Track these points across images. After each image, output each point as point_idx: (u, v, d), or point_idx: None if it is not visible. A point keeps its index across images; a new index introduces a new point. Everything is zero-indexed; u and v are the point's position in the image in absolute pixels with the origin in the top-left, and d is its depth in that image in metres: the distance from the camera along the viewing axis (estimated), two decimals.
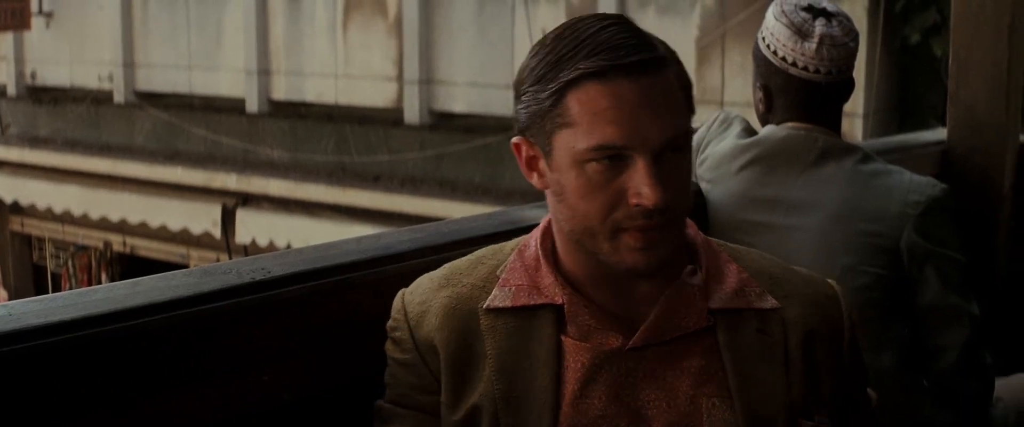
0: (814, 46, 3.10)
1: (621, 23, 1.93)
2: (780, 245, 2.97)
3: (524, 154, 2.02)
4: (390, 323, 2.12)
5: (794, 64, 3.12)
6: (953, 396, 3.11)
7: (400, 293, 2.13)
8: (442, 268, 2.14)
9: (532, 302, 2.04)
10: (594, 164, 1.90)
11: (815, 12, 3.14)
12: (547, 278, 2.04)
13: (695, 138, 3.36)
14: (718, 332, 2.02)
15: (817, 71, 3.11)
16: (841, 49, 3.12)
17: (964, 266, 3.12)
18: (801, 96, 3.16)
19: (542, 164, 2.00)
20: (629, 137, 1.88)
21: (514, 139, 2.04)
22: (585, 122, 1.89)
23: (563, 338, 2.01)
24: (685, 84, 1.96)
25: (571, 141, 1.91)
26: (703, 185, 3.29)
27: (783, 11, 3.15)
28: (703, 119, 3.44)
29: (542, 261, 2.06)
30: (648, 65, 1.89)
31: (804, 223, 3.11)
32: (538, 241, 2.09)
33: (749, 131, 3.30)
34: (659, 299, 2.00)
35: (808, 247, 3.03)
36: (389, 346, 2.11)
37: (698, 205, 3.26)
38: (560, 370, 1.99)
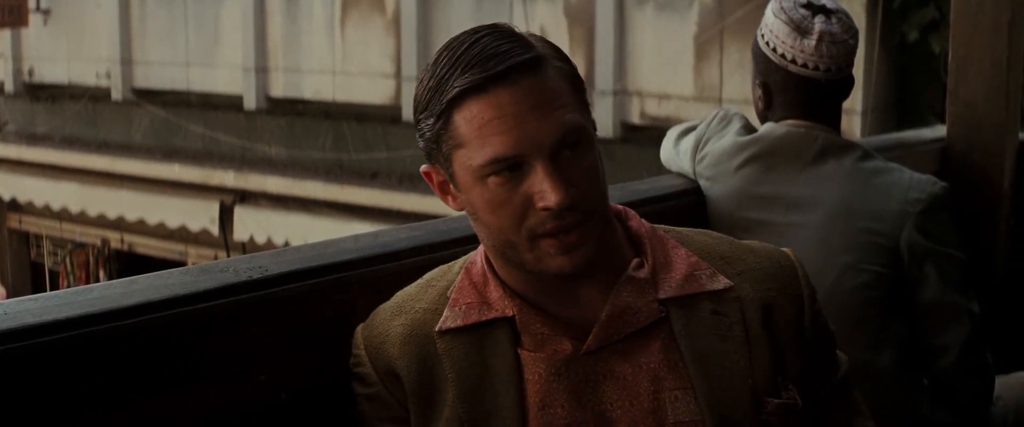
0: (813, 43, 3.09)
1: (494, 32, 1.92)
2: (779, 243, 2.93)
3: (434, 181, 2.02)
4: (351, 360, 2.11)
5: (793, 61, 3.11)
6: (953, 395, 3.11)
7: (358, 329, 2.12)
8: (394, 297, 2.13)
9: (484, 318, 2.02)
10: (494, 178, 1.90)
11: (814, 9, 3.13)
12: (495, 292, 2.03)
13: (694, 135, 3.36)
14: (672, 321, 1.99)
15: (817, 68, 3.10)
16: (841, 46, 3.11)
17: (964, 264, 3.11)
18: (800, 93, 3.15)
19: (452, 187, 1.99)
20: (518, 144, 1.87)
21: (422, 167, 2.03)
22: (474, 139, 1.89)
23: (519, 351, 1.99)
24: (572, 78, 1.95)
25: (466, 160, 1.91)
26: (702, 183, 3.28)
27: (782, 8, 3.14)
28: (702, 117, 3.43)
29: (489, 275, 2.05)
30: (523, 67, 1.88)
31: (804, 221, 3.10)
32: (482, 256, 2.07)
33: (748, 128, 3.29)
34: (608, 298, 1.99)
35: (807, 245, 3.00)
36: (354, 384, 2.10)
37: (697, 203, 3.26)
38: (521, 384, 1.98)
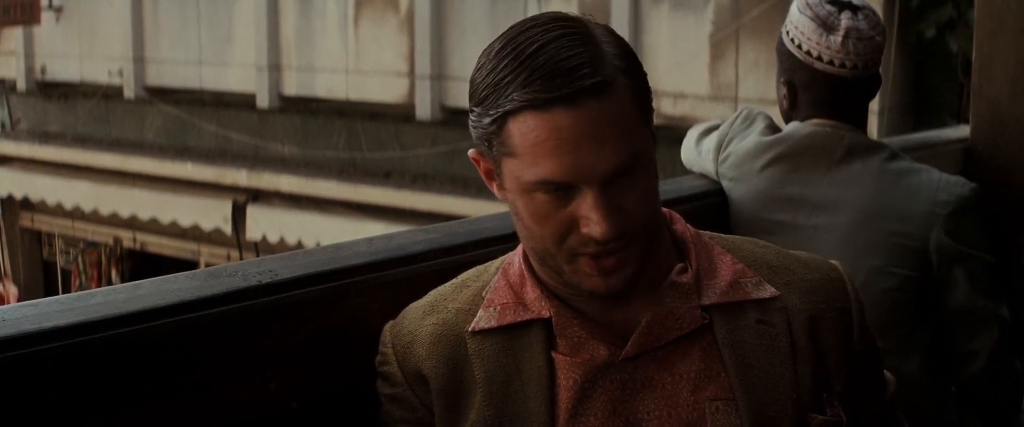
0: (840, 40, 3.03)
1: (565, 34, 1.80)
2: (804, 245, 2.89)
3: (482, 166, 1.94)
4: (378, 358, 2.04)
5: (819, 58, 3.05)
6: (981, 402, 3.06)
7: (386, 326, 2.06)
8: (427, 296, 2.06)
9: (519, 319, 1.95)
10: (541, 194, 1.81)
11: (841, 5, 3.07)
12: (532, 292, 1.95)
13: (717, 135, 3.30)
14: (715, 329, 1.92)
15: (843, 65, 3.05)
16: (867, 43, 3.06)
17: (993, 268, 3.06)
18: (826, 92, 3.09)
19: (498, 178, 1.91)
20: (570, 171, 1.78)
21: (471, 152, 1.95)
22: (526, 154, 1.79)
23: (553, 354, 1.92)
24: (639, 95, 1.83)
25: (516, 171, 1.82)
26: (725, 183, 3.22)
27: (808, 4, 3.08)
28: (721, 117, 3.37)
29: (526, 276, 1.97)
30: (590, 91, 1.77)
31: (829, 223, 3.05)
32: (521, 256, 2.00)
33: (772, 128, 3.23)
34: (649, 303, 1.91)
35: (833, 248, 2.95)
36: (379, 383, 2.04)
37: (719, 204, 3.21)
38: (553, 389, 1.91)
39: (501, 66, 1.80)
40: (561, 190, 1.80)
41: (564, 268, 1.86)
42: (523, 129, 1.78)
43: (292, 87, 14.66)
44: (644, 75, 1.87)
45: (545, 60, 1.77)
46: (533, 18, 1.86)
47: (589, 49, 1.79)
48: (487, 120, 1.82)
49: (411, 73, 13.46)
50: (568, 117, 1.76)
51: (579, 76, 1.76)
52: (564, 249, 1.84)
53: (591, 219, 1.79)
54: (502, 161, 1.85)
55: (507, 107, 1.78)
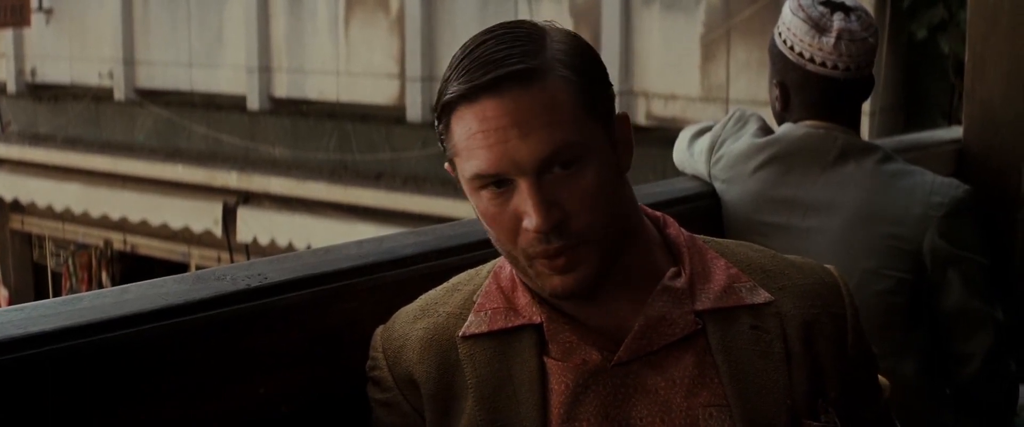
0: (832, 41, 3.02)
1: (507, 33, 1.81)
2: (797, 247, 2.89)
3: (456, 176, 1.93)
4: (368, 363, 2.03)
5: (812, 60, 3.05)
6: (977, 404, 3.05)
7: (377, 330, 2.04)
8: (418, 300, 2.05)
9: (510, 324, 1.93)
10: (485, 191, 1.82)
11: (833, 6, 3.07)
12: (523, 297, 1.94)
13: (709, 136, 3.29)
14: (709, 334, 1.90)
15: (835, 67, 3.04)
16: (860, 44, 3.05)
17: (988, 270, 3.05)
18: (819, 93, 3.09)
19: None
20: (499, 162, 1.77)
21: (446, 163, 1.94)
22: (463, 149, 1.81)
23: (545, 359, 1.90)
24: (581, 90, 1.82)
25: (461, 168, 1.84)
26: (718, 185, 3.21)
27: (800, 5, 3.07)
28: (713, 118, 3.36)
29: (517, 280, 1.95)
30: (514, 78, 1.76)
31: (823, 225, 3.04)
32: None
33: (765, 130, 3.23)
34: (642, 308, 1.89)
35: (827, 250, 2.94)
36: (369, 388, 2.02)
37: (712, 206, 3.20)
38: (545, 393, 1.89)
39: (449, 67, 1.83)
40: (500, 185, 1.80)
41: (529, 272, 1.86)
42: (460, 124, 1.80)
43: (282, 89, 14.65)
44: (598, 74, 1.87)
45: (479, 53, 1.79)
46: (487, 28, 1.87)
47: (525, 44, 1.81)
48: (437, 122, 1.86)
49: (402, 75, 13.45)
50: (494, 106, 1.77)
51: (505, 64, 1.77)
52: (519, 251, 1.83)
53: (526, 212, 1.78)
54: (455, 162, 1.86)
55: (444, 101, 1.81)
